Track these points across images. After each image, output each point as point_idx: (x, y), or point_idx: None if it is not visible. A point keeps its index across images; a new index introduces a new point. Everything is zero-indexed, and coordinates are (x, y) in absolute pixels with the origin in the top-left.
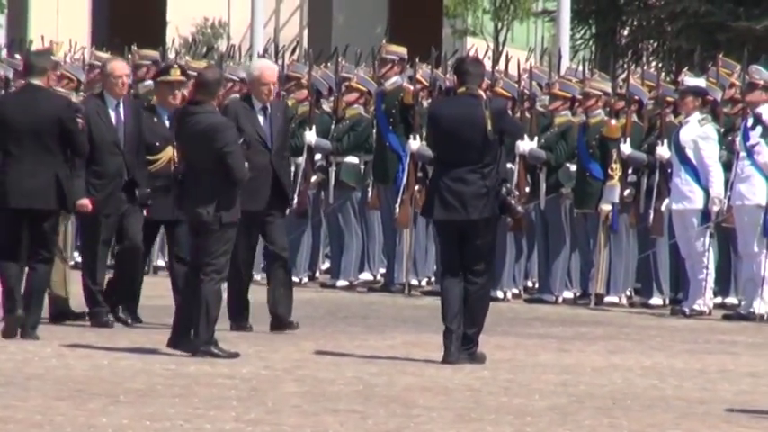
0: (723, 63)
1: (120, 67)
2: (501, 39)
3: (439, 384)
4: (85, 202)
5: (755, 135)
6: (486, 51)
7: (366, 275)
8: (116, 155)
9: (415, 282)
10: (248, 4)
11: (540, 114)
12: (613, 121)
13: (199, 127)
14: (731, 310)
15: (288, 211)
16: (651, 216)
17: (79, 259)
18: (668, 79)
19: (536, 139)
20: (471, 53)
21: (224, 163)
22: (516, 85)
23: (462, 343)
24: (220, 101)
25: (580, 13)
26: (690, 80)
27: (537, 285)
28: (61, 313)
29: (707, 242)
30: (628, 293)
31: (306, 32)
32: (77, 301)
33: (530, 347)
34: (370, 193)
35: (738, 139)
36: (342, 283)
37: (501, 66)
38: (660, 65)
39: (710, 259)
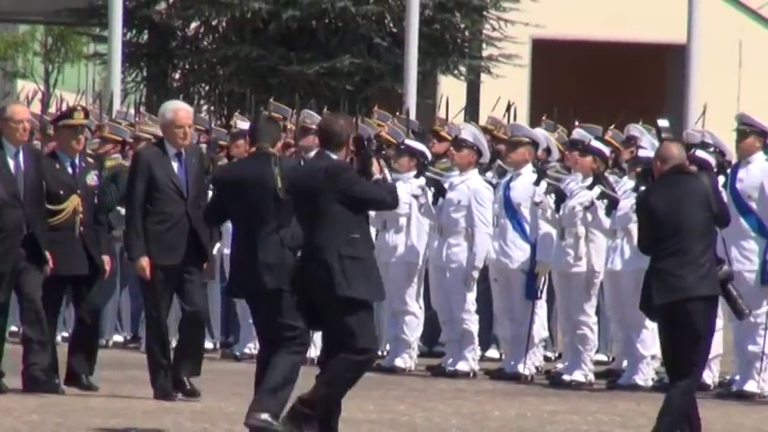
0: (275, 107)
1: (20, 111)
2: (52, 81)
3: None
4: None
5: None
6: (35, 94)
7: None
8: (15, 207)
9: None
10: None
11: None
12: None
13: None
14: None
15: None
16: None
17: None
18: (220, 123)
19: None
20: (22, 96)
21: None
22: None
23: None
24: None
25: (132, 56)
26: (241, 123)
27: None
28: None
29: None
30: None
31: None
32: None
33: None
34: None
35: None
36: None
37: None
38: (212, 108)
39: None
